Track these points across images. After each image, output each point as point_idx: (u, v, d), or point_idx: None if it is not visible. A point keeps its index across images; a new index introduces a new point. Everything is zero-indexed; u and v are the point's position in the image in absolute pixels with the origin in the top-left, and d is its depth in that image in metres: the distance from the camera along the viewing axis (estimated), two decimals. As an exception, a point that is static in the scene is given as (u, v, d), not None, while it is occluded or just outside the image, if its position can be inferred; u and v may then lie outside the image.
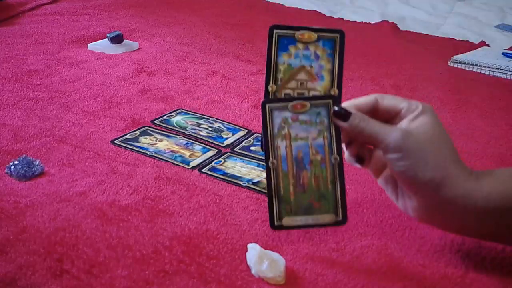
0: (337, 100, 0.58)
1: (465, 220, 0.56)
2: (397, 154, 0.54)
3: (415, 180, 0.54)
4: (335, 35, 0.59)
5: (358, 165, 0.61)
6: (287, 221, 0.58)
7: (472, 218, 0.55)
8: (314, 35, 0.58)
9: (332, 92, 0.59)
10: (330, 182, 0.58)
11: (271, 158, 0.58)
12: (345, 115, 0.57)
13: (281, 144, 0.58)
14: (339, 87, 0.59)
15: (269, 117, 0.58)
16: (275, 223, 0.58)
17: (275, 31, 0.58)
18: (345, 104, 0.58)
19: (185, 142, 0.83)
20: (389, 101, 0.58)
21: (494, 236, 0.58)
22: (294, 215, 0.58)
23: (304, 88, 0.59)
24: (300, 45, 0.58)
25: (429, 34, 1.65)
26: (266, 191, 0.69)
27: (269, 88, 0.58)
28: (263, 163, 0.78)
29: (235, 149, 0.83)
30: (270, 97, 0.59)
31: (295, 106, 0.57)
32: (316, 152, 0.58)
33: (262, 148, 0.59)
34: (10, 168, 0.70)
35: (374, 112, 0.58)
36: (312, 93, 0.59)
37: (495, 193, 0.54)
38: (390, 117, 0.58)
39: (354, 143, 0.60)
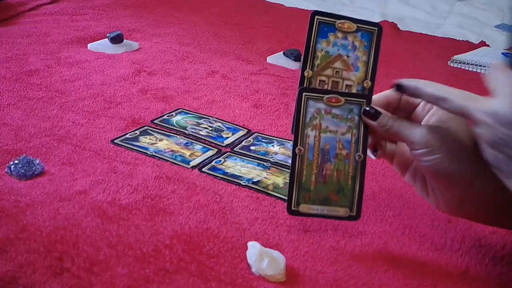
0: (370, 99, 0.60)
1: (499, 212, 0.55)
2: (424, 149, 0.55)
3: (445, 174, 0.54)
4: (373, 29, 0.60)
5: (373, 157, 0.62)
6: (303, 208, 0.60)
7: (506, 209, 0.55)
8: (353, 26, 0.60)
9: (365, 84, 0.60)
10: (351, 177, 0.60)
11: (298, 145, 0.60)
12: (375, 114, 0.58)
13: (311, 134, 0.60)
14: (372, 80, 0.60)
15: (303, 105, 0.59)
16: (292, 207, 0.60)
17: (316, 17, 0.59)
18: (376, 96, 0.60)
19: (185, 141, 0.83)
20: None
21: None
22: (311, 204, 0.60)
23: (339, 77, 0.60)
24: (339, 34, 0.60)
25: (429, 34, 1.65)
26: (266, 191, 0.69)
27: (305, 74, 0.59)
28: (263, 163, 0.78)
29: (235, 149, 0.83)
30: (305, 82, 0.60)
31: (330, 99, 0.59)
32: (343, 147, 0.60)
33: (292, 132, 0.60)
34: (10, 168, 0.70)
35: (399, 103, 0.60)
36: (346, 82, 0.60)
37: None
38: (412, 108, 0.59)
39: (373, 136, 0.61)
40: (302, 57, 0.60)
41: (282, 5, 1.87)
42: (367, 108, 0.59)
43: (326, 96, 0.59)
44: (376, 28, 0.60)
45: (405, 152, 0.61)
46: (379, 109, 0.58)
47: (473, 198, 0.55)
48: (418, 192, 0.61)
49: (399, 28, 1.66)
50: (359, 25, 0.60)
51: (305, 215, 0.61)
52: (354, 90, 0.60)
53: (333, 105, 0.59)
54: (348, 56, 0.60)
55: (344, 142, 0.60)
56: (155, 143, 0.82)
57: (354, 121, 0.60)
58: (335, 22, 0.60)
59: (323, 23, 0.59)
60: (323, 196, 0.60)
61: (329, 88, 0.60)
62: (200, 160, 0.78)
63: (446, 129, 0.55)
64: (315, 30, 0.59)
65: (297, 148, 0.60)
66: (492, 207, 0.55)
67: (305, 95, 0.59)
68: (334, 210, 0.60)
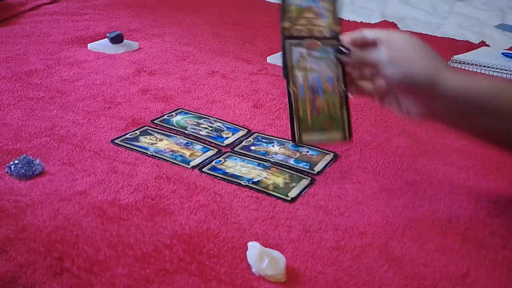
0: (339, 40, 0.70)
1: (463, 111, 0.65)
2: (391, 63, 0.66)
3: (411, 81, 0.65)
4: None
5: (351, 96, 0.72)
6: (305, 137, 0.69)
7: (470, 109, 0.64)
8: None
9: (335, 29, 0.71)
10: (339, 107, 0.70)
11: (291, 86, 0.68)
12: (344, 52, 0.70)
13: (299, 74, 0.69)
14: (339, 24, 0.71)
15: (288, 51, 0.69)
16: (296, 138, 0.68)
17: None
18: (343, 37, 0.71)
19: (185, 141, 0.83)
20: (370, 31, 0.69)
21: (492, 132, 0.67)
22: (311, 133, 0.69)
23: (312, 25, 0.70)
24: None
25: (429, 34, 1.65)
26: (266, 191, 0.70)
27: (286, 25, 0.69)
28: (263, 163, 0.78)
29: (235, 149, 0.83)
30: (286, 32, 0.69)
31: (310, 44, 0.69)
32: (327, 82, 0.70)
33: (284, 77, 0.68)
34: (10, 168, 0.70)
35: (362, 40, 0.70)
36: (318, 28, 0.70)
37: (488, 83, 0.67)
38: (374, 43, 0.68)
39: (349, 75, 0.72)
40: (280, 13, 0.69)
41: (282, 5, 1.87)
42: (341, 48, 0.70)
43: (306, 41, 0.69)
44: None
45: (380, 85, 0.70)
46: (349, 47, 0.70)
47: (439, 101, 0.65)
48: (394, 109, 0.71)
49: (399, 28, 1.66)
50: None
51: (309, 144, 0.71)
52: (326, 35, 0.70)
53: (313, 48, 0.69)
54: (316, 7, 0.70)
55: (327, 79, 0.69)
56: (155, 143, 0.81)
57: (333, 60, 0.70)
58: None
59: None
60: (319, 125, 0.69)
61: (306, 35, 0.69)
62: (200, 160, 0.78)
63: (406, 44, 0.67)
64: None
65: (291, 88, 0.68)
66: (458, 108, 0.65)
67: (288, 42, 0.68)
68: (331, 135, 0.70)
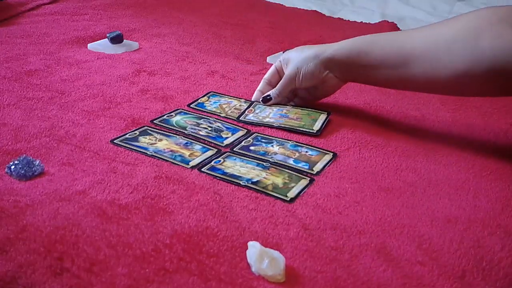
0: (253, 103, 0.99)
1: (349, 66, 0.90)
2: (295, 71, 0.93)
3: (308, 66, 0.92)
4: (208, 92, 1.03)
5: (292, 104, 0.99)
6: (316, 128, 0.90)
7: (353, 63, 0.89)
8: (206, 97, 1.01)
9: (243, 101, 1.00)
10: (301, 109, 0.96)
11: (275, 126, 0.90)
12: (268, 98, 0.97)
13: (267, 119, 0.93)
14: (240, 98, 1.01)
15: (248, 121, 0.92)
16: (314, 133, 0.88)
17: (190, 106, 0.97)
18: (259, 88, 1.00)
19: (185, 141, 0.83)
20: (273, 68, 0.99)
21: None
22: (316, 125, 0.90)
23: (233, 107, 0.97)
24: (206, 102, 0.99)
25: (429, 34, 1.64)
26: (265, 191, 0.70)
27: (223, 114, 0.94)
28: (262, 163, 0.78)
29: (234, 149, 0.83)
30: (232, 117, 0.94)
31: (248, 111, 0.95)
32: (282, 111, 0.95)
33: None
34: (10, 168, 0.70)
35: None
36: (238, 105, 0.98)
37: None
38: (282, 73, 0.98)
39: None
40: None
41: (282, 5, 1.87)
42: (261, 100, 0.97)
43: (246, 112, 0.95)
44: (210, 92, 1.03)
45: (303, 96, 0.99)
46: (266, 93, 0.97)
47: (331, 66, 0.92)
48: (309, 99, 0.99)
49: (399, 28, 1.66)
50: (207, 95, 1.01)
51: (322, 129, 0.89)
52: (245, 104, 0.98)
53: (252, 112, 0.95)
54: (223, 102, 0.99)
55: (278, 110, 0.95)
56: (155, 143, 0.82)
57: (267, 107, 0.97)
58: (200, 99, 0.99)
59: (198, 103, 0.98)
60: (310, 120, 0.92)
61: (239, 113, 0.95)
62: (200, 160, 0.78)
63: (291, 54, 0.95)
64: (203, 111, 0.96)
65: (275, 125, 0.90)
66: (343, 65, 0.91)
67: (241, 119, 0.93)
68: (322, 117, 0.93)
